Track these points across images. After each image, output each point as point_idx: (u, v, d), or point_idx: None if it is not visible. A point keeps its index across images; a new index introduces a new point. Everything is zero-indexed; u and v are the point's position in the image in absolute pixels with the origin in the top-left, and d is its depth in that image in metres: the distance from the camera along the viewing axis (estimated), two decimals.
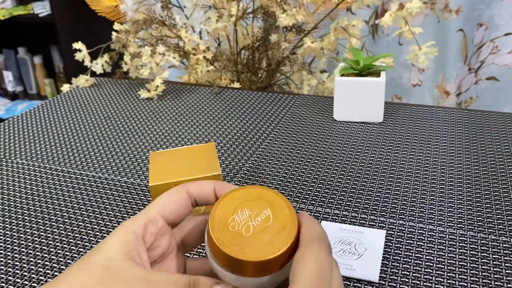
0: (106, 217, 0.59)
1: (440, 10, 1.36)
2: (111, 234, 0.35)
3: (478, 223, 0.55)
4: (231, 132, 0.79)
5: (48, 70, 2.38)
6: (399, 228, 0.55)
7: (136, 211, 0.59)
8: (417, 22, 1.39)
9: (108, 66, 0.99)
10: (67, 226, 0.58)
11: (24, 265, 0.52)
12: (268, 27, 1.09)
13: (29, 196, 0.64)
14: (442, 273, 0.48)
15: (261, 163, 0.70)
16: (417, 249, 0.51)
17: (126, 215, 0.59)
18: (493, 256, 0.50)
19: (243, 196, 0.34)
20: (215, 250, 0.32)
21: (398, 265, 0.49)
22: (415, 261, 0.50)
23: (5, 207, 0.62)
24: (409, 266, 0.49)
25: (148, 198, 0.62)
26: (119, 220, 0.58)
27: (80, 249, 0.54)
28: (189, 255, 0.52)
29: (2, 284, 0.49)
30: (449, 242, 0.52)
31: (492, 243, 0.52)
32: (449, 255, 0.50)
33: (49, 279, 0.49)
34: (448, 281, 0.47)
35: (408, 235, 0.54)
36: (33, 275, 0.50)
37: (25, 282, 0.49)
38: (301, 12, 0.96)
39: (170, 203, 0.36)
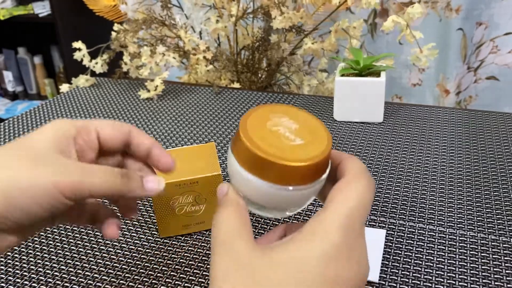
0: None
1: (442, 9, 1.36)
2: (43, 127, 0.35)
3: (478, 223, 0.55)
4: (231, 132, 0.79)
5: (48, 70, 2.38)
6: (399, 228, 0.55)
7: None
8: (418, 21, 1.39)
9: (105, 64, 0.99)
10: (67, 226, 0.58)
11: (24, 265, 0.52)
12: (268, 27, 1.09)
13: None
14: (442, 273, 0.48)
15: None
16: (417, 249, 0.51)
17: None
18: (493, 256, 0.50)
19: (282, 110, 0.33)
20: (240, 147, 0.30)
21: (398, 265, 0.49)
22: (415, 261, 0.50)
23: None
24: (409, 266, 0.49)
25: (148, 198, 0.62)
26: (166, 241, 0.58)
27: (80, 249, 0.54)
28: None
29: (2, 284, 0.49)
30: (449, 242, 0.52)
31: (492, 243, 0.52)
32: (449, 255, 0.50)
33: (49, 279, 0.49)
34: (448, 281, 0.47)
35: (408, 235, 0.54)
36: (33, 275, 0.50)
37: (25, 282, 0.49)
38: (298, 14, 0.96)
39: (108, 128, 0.37)
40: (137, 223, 0.58)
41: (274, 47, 1.02)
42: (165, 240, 0.54)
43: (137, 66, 1.00)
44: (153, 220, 0.58)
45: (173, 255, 0.52)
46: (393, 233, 0.54)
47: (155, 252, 0.53)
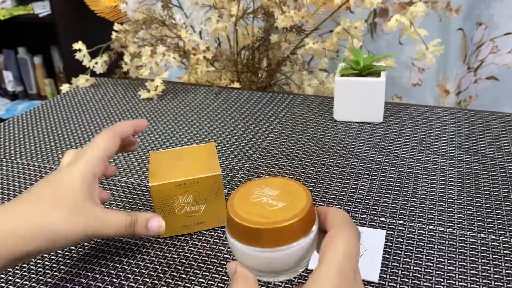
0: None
1: (443, 8, 1.36)
2: (69, 170, 0.44)
3: (478, 223, 0.55)
4: (231, 132, 0.79)
5: (48, 70, 2.38)
6: (399, 228, 0.55)
7: (136, 211, 0.59)
8: (418, 21, 1.39)
9: (105, 65, 0.99)
10: None
11: (24, 265, 0.52)
12: (268, 27, 1.09)
13: None
14: (442, 273, 0.48)
15: (261, 163, 0.70)
16: (417, 249, 0.52)
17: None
18: (493, 256, 0.50)
19: (262, 183, 0.36)
20: (232, 224, 0.33)
21: (398, 265, 0.49)
22: (415, 261, 0.50)
23: None
24: (409, 266, 0.49)
25: (148, 198, 0.62)
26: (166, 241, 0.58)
27: (80, 249, 0.54)
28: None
29: (2, 284, 0.49)
30: (449, 242, 0.52)
31: (492, 243, 0.52)
32: (449, 255, 0.50)
33: (49, 279, 0.49)
34: (448, 281, 0.47)
35: (408, 235, 0.54)
36: (33, 275, 0.50)
37: (25, 282, 0.49)
38: (299, 13, 0.96)
39: (111, 146, 0.47)
40: None
41: (275, 47, 1.02)
42: (165, 240, 0.54)
43: (137, 66, 1.00)
44: None
45: (173, 255, 0.52)
46: (393, 233, 0.54)
47: (156, 252, 0.53)
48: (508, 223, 0.55)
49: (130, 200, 0.62)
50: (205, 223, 0.55)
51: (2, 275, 0.50)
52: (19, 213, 0.42)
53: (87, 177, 0.44)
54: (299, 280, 0.48)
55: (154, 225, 0.48)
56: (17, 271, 0.51)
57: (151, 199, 0.53)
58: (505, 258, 0.50)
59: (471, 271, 0.48)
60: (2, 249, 0.40)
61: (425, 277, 0.48)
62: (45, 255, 0.53)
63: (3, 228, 0.41)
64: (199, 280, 0.49)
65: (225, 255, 0.52)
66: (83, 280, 0.49)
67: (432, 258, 0.50)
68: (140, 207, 0.60)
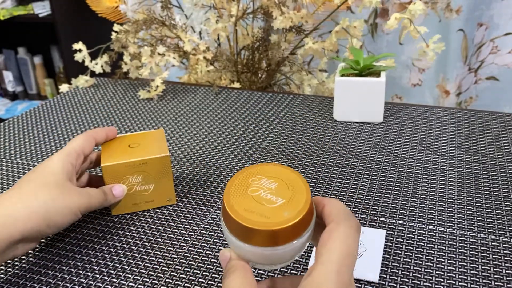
0: (107, 217, 0.59)
1: (442, 9, 1.36)
2: (50, 160, 0.51)
3: (478, 223, 0.55)
4: (231, 132, 0.79)
5: (48, 70, 2.38)
6: (399, 228, 0.55)
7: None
8: (418, 22, 1.39)
9: (107, 66, 0.99)
10: (67, 227, 0.58)
11: (24, 265, 0.52)
12: (268, 27, 1.09)
13: None
14: (442, 273, 0.48)
15: (261, 163, 0.70)
16: (417, 249, 0.52)
17: (127, 214, 0.59)
18: (493, 256, 0.50)
19: (258, 172, 0.35)
20: (227, 218, 0.33)
21: (398, 265, 0.49)
22: (415, 261, 0.50)
23: None
24: (409, 266, 0.49)
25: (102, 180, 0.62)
26: (119, 218, 0.58)
27: (80, 249, 0.54)
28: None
29: (2, 284, 0.49)
30: (449, 242, 0.52)
31: (492, 243, 0.52)
32: (449, 255, 0.50)
33: (49, 279, 0.49)
34: (448, 281, 0.47)
35: (408, 235, 0.54)
36: (33, 275, 0.50)
37: (26, 282, 0.49)
38: (299, 14, 0.96)
39: (86, 144, 0.54)
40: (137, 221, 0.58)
41: (274, 47, 1.02)
42: (165, 240, 0.54)
43: (137, 66, 1.00)
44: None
45: (173, 255, 0.52)
46: (393, 233, 0.54)
47: (156, 252, 0.53)
48: (508, 223, 0.55)
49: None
50: (154, 202, 0.59)
51: (2, 275, 0.50)
52: (12, 198, 0.46)
53: (66, 165, 0.51)
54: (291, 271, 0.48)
55: (119, 190, 0.56)
56: (17, 271, 0.51)
57: (104, 180, 0.56)
58: (505, 258, 0.50)
59: (471, 271, 0.48)
60: (1, 232, 0.44)
61: (425, 277, 0.48)
62: (45, 255, 0.53)
63: (1, 212, 0.45)
64: (199, 280, 0.49)
65: None
66: (83, 280, 0.49)
67: (432, 258, 0.50)
68: None
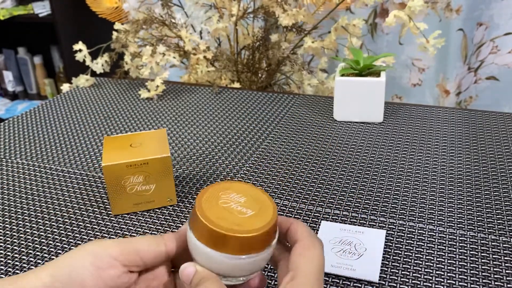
0: (106, 217, 0.59)
1: (442, 9, 1.36)
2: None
3: (478, 223, 0.55)
4: (231, 132, 0.79)
5: (48, 70, 2.38)
6: (399, 228, 0.55)
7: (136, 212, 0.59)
8: (418, 21, 1.39)
9: (107, 66, 0.99)
10: (67, 226, 0.58)
11: (24, 265, 0.52)
12: (269, 27, 1.09)
13: (29, 196, 0.64)
14: (442, 273, 0.48)
15: (261, 163, 0.70)
16: (417, 249, 0.51)
17: (126, 215, 0.59)
18: (493, 256, 0.50)
19: (227, 187, 0.37)
20: (198, 226, 0.33)
21: (398, 265, 0.49)
22: (415, 261, 0.50)
23: (5, 207, 0.62)
24: (409, 266, 0.49)
25: (102, 180, 0.62)
26: (119, 220, 0.58)
27: None
28: None
29: None
30: (449, 242, 0.52)
31: (492, 243, 0.52)
32: (449, 255, 0.50)
33: None
34: (448, 281, 0.47)
35: (408, 235, 0.54)
36: None
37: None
38: (301, 12, 0.96)
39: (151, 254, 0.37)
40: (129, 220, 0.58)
41: (275, 47, 1.02)
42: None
43: (138, 66, 1.00)
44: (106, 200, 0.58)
45: None
46: (393, 233, 0.54)
47: None
48: (508, 223, 0.55)
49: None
50: (155, 202, 0.59)
51: (2, 275, 0.50)
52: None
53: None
54: None
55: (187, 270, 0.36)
56: (17, 271, 0.51)
57: (104, 180, 0.56)
58: (505, 258, 0.50)
59: (471, 271, 0.48)
60: None
61: (425, 277, 0.48)
62: (45, 254, 0.53)
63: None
64: None
65: None
66: None
67: (432, 258, 0.50)
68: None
